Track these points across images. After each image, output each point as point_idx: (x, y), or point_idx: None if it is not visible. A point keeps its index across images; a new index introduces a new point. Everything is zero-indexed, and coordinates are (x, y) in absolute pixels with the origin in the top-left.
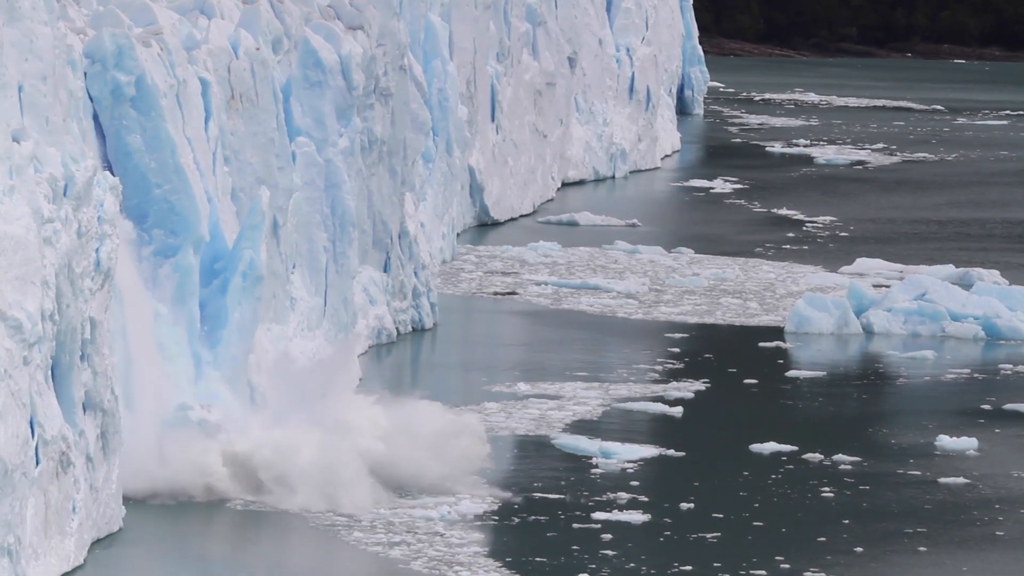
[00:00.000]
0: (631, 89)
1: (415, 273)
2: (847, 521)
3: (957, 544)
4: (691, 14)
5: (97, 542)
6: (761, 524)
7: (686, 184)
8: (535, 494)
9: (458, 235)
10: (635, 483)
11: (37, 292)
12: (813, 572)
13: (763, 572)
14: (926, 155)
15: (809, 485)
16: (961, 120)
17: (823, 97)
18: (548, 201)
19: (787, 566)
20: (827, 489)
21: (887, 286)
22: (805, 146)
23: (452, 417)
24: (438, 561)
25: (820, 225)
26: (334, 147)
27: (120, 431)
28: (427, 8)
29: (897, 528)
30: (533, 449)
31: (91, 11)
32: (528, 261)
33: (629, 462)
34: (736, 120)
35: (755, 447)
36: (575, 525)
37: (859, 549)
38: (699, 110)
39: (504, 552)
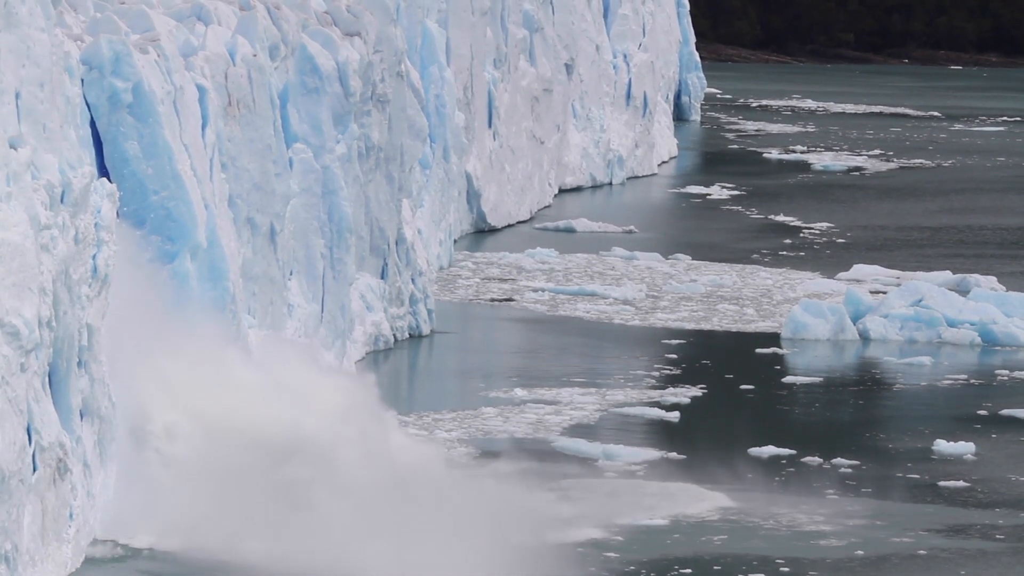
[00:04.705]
0: (628, 95)
1: (412, 280)
2: (846, 524)
3: (954, 549)
4: (688, 20)
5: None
6: (761, 527)
7: (683, 190)
8: None
9: (455, 241)
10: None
11: (34, 299)
12: (812, 575)
13: (762, 575)
14: (923, 161)
15: (808, 489)
16: (958, 126)
17: (820, 103)
18: (545, 207)
19: (787, 569)
20: (825, 493)
21: (884, 292)
22: (802, 152)
23: None
24: None
25: (817, 231)
26: (331, 153)
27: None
28: (424, 14)
29: (895, 532)
30: (533, 451)
31: (88, 18)
32: (525, 267)
33: (632, 464)
34: (733, 126)
35: (753, 451)
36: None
37: (859, 553)
38: (696, 116)
39: None
